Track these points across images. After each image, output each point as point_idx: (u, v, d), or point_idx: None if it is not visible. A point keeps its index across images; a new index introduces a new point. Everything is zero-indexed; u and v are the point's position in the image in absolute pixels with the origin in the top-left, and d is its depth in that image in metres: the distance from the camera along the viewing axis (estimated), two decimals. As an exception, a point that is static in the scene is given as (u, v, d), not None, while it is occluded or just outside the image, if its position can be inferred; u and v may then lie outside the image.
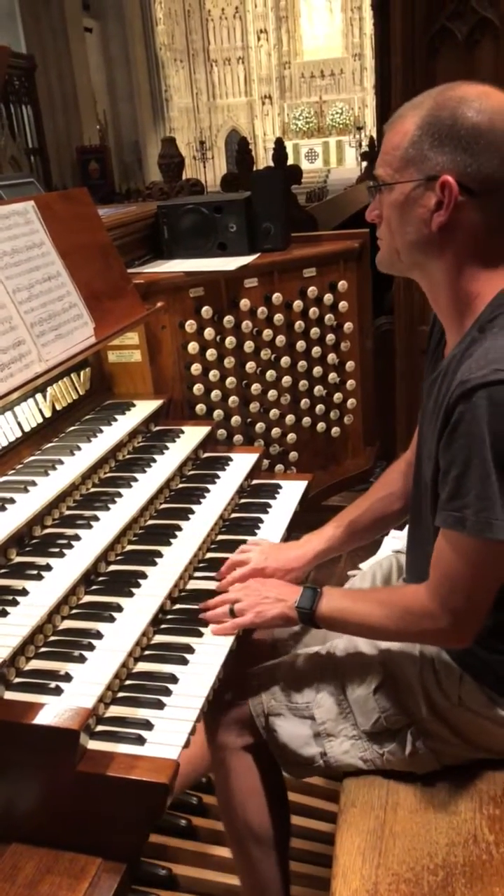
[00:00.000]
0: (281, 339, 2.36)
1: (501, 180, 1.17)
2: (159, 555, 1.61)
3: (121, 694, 1.31)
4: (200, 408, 2.27)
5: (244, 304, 2.28)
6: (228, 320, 2.26)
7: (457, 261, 1.23)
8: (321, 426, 2.52)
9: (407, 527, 1.66)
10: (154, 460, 1.88)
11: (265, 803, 1.51)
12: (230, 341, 2.27)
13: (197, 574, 1.66)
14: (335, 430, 2.55)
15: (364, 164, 11.43)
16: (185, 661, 1.39)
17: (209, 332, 2.23)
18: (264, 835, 1.51)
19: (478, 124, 1.16)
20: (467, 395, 1.13)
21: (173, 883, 1.89)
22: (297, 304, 2.37)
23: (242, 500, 1.97)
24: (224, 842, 1.98)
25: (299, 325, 2.38)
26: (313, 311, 2.40)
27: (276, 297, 2.33)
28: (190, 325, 2.21)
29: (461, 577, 1.21)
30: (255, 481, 2.06)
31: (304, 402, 2.46)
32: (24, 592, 1.35)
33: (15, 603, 1.33)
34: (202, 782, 2.15)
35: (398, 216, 1.24)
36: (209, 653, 1.42)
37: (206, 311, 2.23)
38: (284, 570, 1.58)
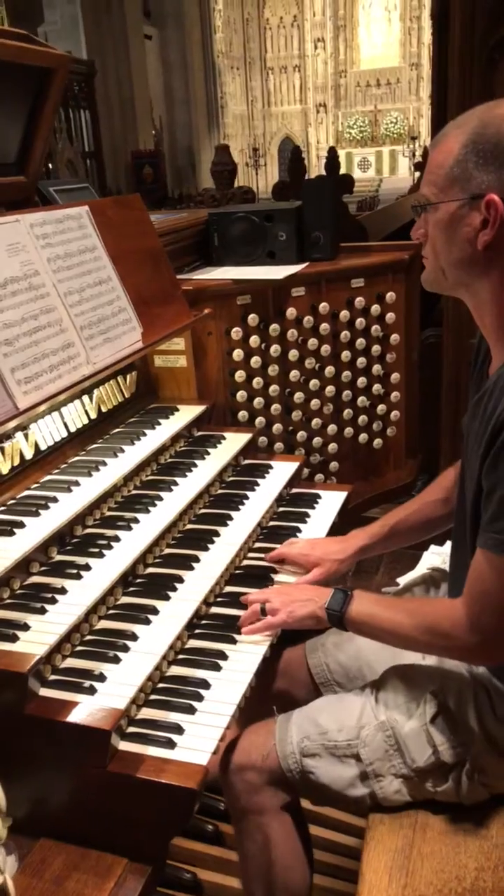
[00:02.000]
0: (326, 349, 2.35)
1: None
2: (196, 559, 1.62)
3: (153, 697, 1.32)
4: (243, 415, 2.28)
5: (290, 312, 2.29)
6: (274, 328, 2.27)
7: (503, 280, 1.22)
8: (363, 437, 2.50)
9: (449, 542, 1.65)
10: (195, 465, 1.90)
11: (307, 865, 1.46)
12: (275, 349, 2.27)
13: (233, 580, 1.67)
14: (377, 442, 2.54)
15: (417, 174, 11.36)
16: (218, 668, 1.39)
17: (254, 340, 2.24)
18: (302, 892, 1.46)
19: None
20: None
21: (198, 888, 1.89)
22: (344, 315, 2.37)
23: (281, 509, 1.97)
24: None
25: (345, 335, 2.38)
26: (360, 322, 2.39)
27: (323, 307, 2.33)
28: (236, 333, 2.22)
29: (496, 598, 1.20)
30: (294, 490, 2.06)
31: (347, 413, 2.45)
32: (63, 591, 1.37)
33: (54, 601, 1.35)
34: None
35: (443, 235, 1.24)
36: (242, 660, 1.42)
37: (253, 318, 2.23)
38: (329, 560, 1.60)
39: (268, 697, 1.64)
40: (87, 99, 15.29)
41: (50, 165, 13.52)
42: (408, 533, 1.66)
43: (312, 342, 2.33)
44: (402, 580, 1.86)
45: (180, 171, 21.12)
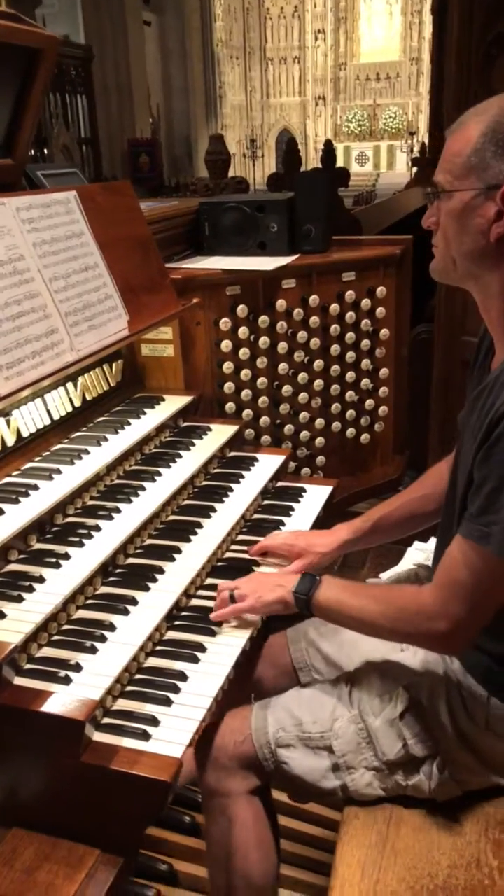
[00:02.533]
0: (315, 342, 2.34)
1: None
2: (178, 551, 1.61)
3: (129, 688, 1.32)
4: (230, 406, 2.26)
5: (280, 304, 2.27)
6: (263, 320, 2.25)
7: None
8: (351, 432, 2.49)
9: (433, 539, 1.64)
10: (180, 456, 1.88)
11: (271, 854, 1.45)
12: (264, 341, 2.26)
13: (215, 572, 1.66)
14: (365, 437, 2.53)
15: (414, 169, 11.34)
16: (196, 660, 1.39)
17: (243, 331, 2.22)
18: (263, 887, 1.44)
19: None
20: None
21: (173, 878, 1.89)
22: (334, 308, 2.35)
23: (266, 502, 1.96)
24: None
25: (335, 328, 2.36)
26: (350, 316, 2.38)
27: (313, 300, 2.31)
28: (224, 323, 2.20)
29: (469, 588, 1.20)
30: (280, 483, 2.05)
31: (335, 407, 2.44)
32: (40, 580, 1.36)
33: (31, 589, 1.34)
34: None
35: (455, 225, 1.22)
36: (221, 653, 1.41)
37: (242, 309, 2.22)
38: (311, 552, 1.60)
39: (248, 682, 1.63)
40: (84, 84, 15.16)
41: (45, 150, 13.42)
42: (391, 529, 1.65)
43: (302, 335, 2.31)
44: (385, 575, 1.86)
45: (177, 160, 21.01)
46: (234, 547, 1.76)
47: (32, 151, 13.28)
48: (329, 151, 6.00)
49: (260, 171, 23.93)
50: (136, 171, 16.74)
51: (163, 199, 2.94)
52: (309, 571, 1.56)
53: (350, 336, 2.40)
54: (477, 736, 1.32)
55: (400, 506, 1.65)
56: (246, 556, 1.70)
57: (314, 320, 2.32)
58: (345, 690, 1.43)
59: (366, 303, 2.40)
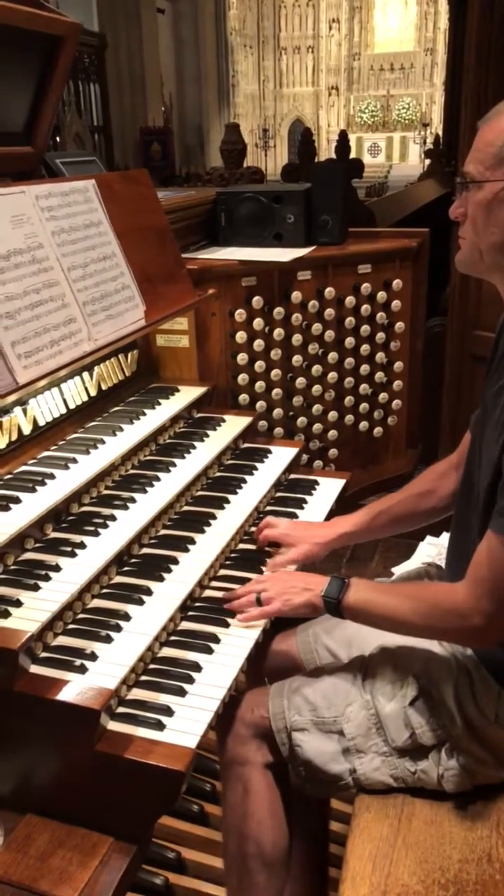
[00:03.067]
0: (330, 335, 2.33)
1: None
2: (192, 541, 1.61)
3: (144, 678, 1.32)
4: (244, 398, 2.26)
5: (296, 296, 2.26)
6: (278, 312, 2.24)
7: None
8: (364, 425, 2.49)
9: (446, 534, 1.64)
10: (194, 447, 1.88)
11: (283, 826, 1.47)
12: (278, 333, 2.25)
13: (228, 563, 1.66)
14: (378, 430, 2.52)
15: (427, 161, 11.28)
16: (210, 651, 1.39)
17: (258, 323, 2.22)
18: (275, 860, 1.45)
19: None
20: None
21: (181, 866, 1.90)
22: (350, 300, 2.34)
23: (279, 494, 1.96)
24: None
25: (350, 321, 2.36)
26: (365, 309, 2.37)
27: (329, 292, 2.30)
28: (240, 315, 2.20)
29: (502, 583, 1.19)
30: (293, 475, 2.05)
31: (349, 400, 2.43)
32: (56, 569, 1.37)
33: (48, 578, 1.34)
34: (216, 769, 2.16)
35: (485, 216, 1.21)
36: (234, 644, 1.42)
37: (257, 301, 2.21)
38: (308, 543, 1.61)
39: (260, 675, 1.64)
40: (97, 72, 15.10)
41: (58, 138, 13.40)
42: (391, 524, 1.66)
43: (316, 327, 2.31)
44: (397, 570, 1.86)
45: (189, 149, 20.92)
46: (247, 538, 1.76)
47: (45, 139, 13.28)
48: (344, 142, 5.97)
49: (272, 161, 23.83)
50: (148, 160, 16.68)
51: (177, 188, 2.93)
52: (304, 561, 1.60)
53: (365, 329, 2.39)
54: (486, 728, 1.32)
55: (400, 501, 1.65)
56: (269, 548, 1.70)
57: (329, 312, 2.32)
58: (359, 676, 1.44)
59: (381, 295, 2.39)
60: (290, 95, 29.35)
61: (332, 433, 2.44)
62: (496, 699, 1.32)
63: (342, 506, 1.99)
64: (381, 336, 2.43)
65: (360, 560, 3.57)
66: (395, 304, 2.42)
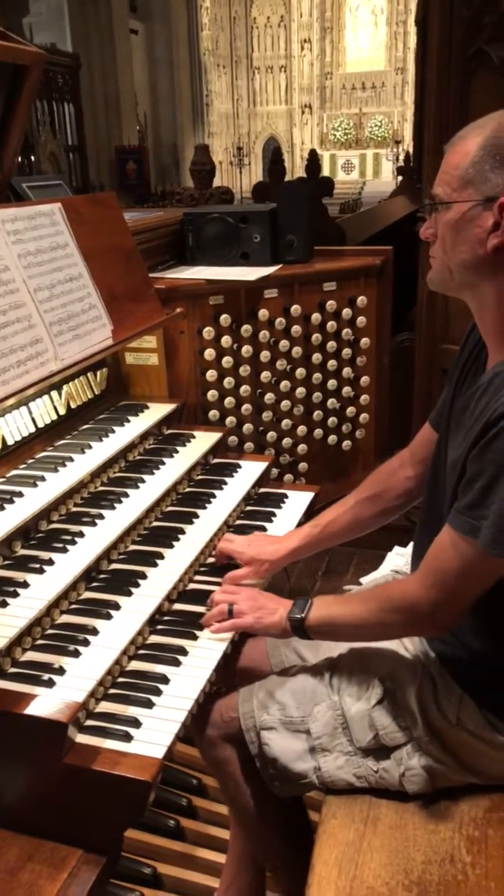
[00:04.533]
0: (297, 351, 2.38)
1: None
2: (161, 556, 1.63)
3: (112, 691, 1.34)
4: (213, 414, 2.30)
5: (263, 314, 2.31)
6: (246, 329, 2.29)
7: None
8: (333, 439, 2.53)
9: (412, 544, 1.67)
10: (163, 463, 1.91)
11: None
12: (246, 350, 2.29)
13: (198, 577, 1.69)
14: (346, 444, 2.57)
15: (399, 178, 11.45)
16: (177, 663, 1.41)
17: (226, 340, 2.26)
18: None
19: None
20: None
21: (157, 882, 1.91)
22: (316, 317, 2.39)
23: (249, 508, 1.99)
24: (211, 844, 2.00)
25: (316, 337, 2.40)
26: (331, 325, 2.42)
27: (295, 309, 2.35)
28: (208, 332, 2.24)
29: (454, 577, 1.24)
30: (263, 489, 2.09)
31: (317, 414, 2.48)
32: (24, 585, 1.39)
33: (15, 595, 1.36)
34: (192, 784, 2.17)
35: (453, 235, 1.26)
36: (202, 656, 1.44)
37: (225, 318, 2.25)
38: (259, 560, 1.64)
39: (232, 678, 1.66)
40: (72, 92, 15.21)
41: (32, 158, 13.44)
42: (341, 532, 1.68)
43: (284, 344, 2.35)
44: (365, 580, 1.89)
45: (164, 167, 21.08)
46: (216, 552, 1.78)
47: (19, 159, 13.31)
48: (313, 161, 6.06)
49: (247, 178, 24.05)
50: (123, 179, 16.80)
51: (147, 209, 2.97)
52: (259, 578, 1.64)
53: (331, 345, 2.44)
54: (448, 731, 1.36)
55: (348, 509, 1.68)
56: (229, 562, 1.73)
57: (296, 329, 2.37)
58: (326, 677, 1.48)
59: (347, 312, 2.44)
60: (264, 114, 29.70)
61: (302, 447, 2.48)
62: (458, 703, 1.36)
63: (312, 518, 2.02)
64: (347, 352, 2.48)
65: (335, 573, 3.60)
66: (361, 321, 2.47)
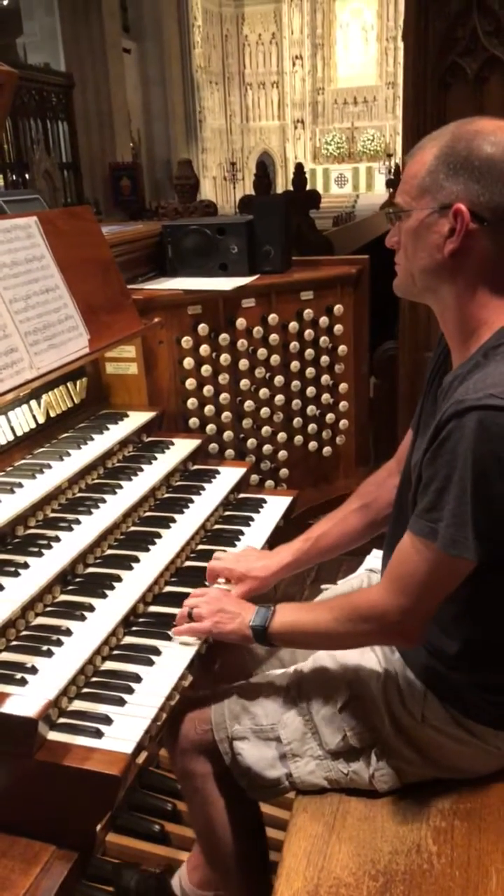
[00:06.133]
0: (276, 359, 2.42)
1: None
2: (136, 560, 1.66)
3: (85, 690, 1.37)
4: (194, 421, 2.33)
5: (241, 323, 2.35)
6: (224, 338, 2.33)
7: (467, 287, 1.28)
8: (313, 445, 2.57)
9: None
10: (142, 469, 1.95)
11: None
12: (225, 358, 2.34)
13: (173, 580, 1.72)
14: (326, 450, 2.60)
15: (390, 190, 11.55)
16: (150, 662, 1.44)
17: (205, 349, 2.30)
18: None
19: (491, 156, 1.21)
20: (459, 415, 1.17)
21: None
22: (293, 326, 2.44)
23: (227, 513, 2.02)
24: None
25: (294, 345, 2.45)
26: (308, 333, 2.46)
27: (273, 318, 2.40)
28: (186, 342, 2.28)
29: (417, 581, 1.25)
30: (242, 495, 2.12)
31: (297, 421, 2.52)
32: (0, 588, 1.42)
33: (-11, 597, 1.39)
34: (177, 788, 2.19)
35: (413, 242, 1.30)
36: (175, 655, 1.47)
37: (203, 328, 2.30)
38: (250, 577, 1.62)
39: (212, 681, 1.68)
40: (65, 110, 15.36)
41: (26, 176, 13.56)
42: (333, 546, 1.68)
43: (262, 352, 2.40)
44: (342, 582, 1.92)
45: (158, 183, 21.22)
46: (192, 556, 1.82)
47: (14, 176, 13.44)
48: (299, 174, 6.14)
49: (240, 193, 24.20)
50: (117, 195, 16.91)
51: (125, 223, 3.02)
52: (251, 594, 1.61)
53: (309, 352, 2.48)
54: (414, 729, 1.38)
55: (338, 521, 1.68)
56: (205, 564, 1.75)
57: (274, 338, 2.41)
58: (294, 683, 1.50)
59: (324, 320, 2.49)
60: (257, 129, 29.94)
61: (283, 454, 2.51)
62: (422, 701, 1.38)
63: (292, 523, 2.05)
64: (325, 359, 2.52)
65: (324, 581, 3.61)
66: (338, 329, 2.51)
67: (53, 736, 1.24)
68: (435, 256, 1.27)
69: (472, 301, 1.28)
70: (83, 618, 1.46)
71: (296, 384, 2.48)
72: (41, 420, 1.88)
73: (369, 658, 1.47)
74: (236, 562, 1.66)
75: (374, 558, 1.98)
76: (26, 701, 1.20)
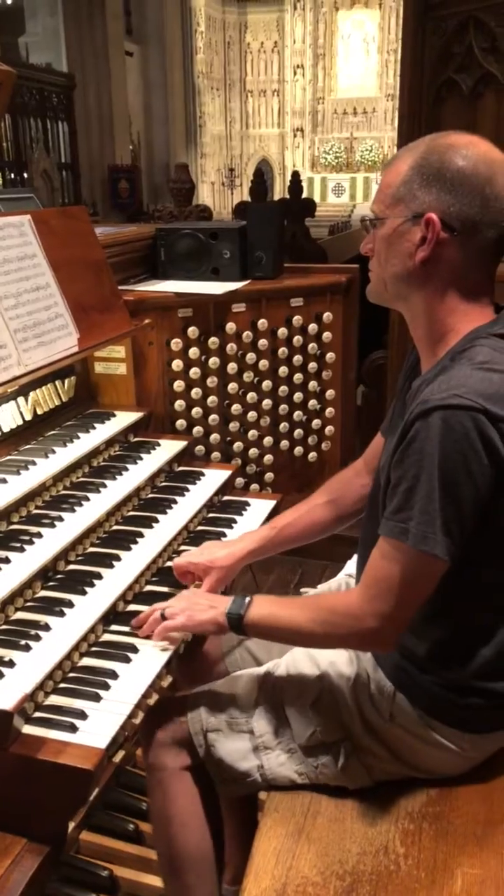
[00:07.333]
0: (264, 364, 2.44)
1: (481, 222, 1.26)
2: (118, 558, 1.68)
3: (62, 685, 1.38)
4: (181, 423, 2.35)
5: (230, 327, 2.37)
6: (213, 342, 2.35)
7: (436, 294, 1.31)
8: (299, 450, 2.59)
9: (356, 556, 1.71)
10: (127, 469, 1.96)
11: (204, 828, 1.53)
12: (214, 362, 2.36)
13: (154, 579, 1.73)
14: (312, 455, 2.63)
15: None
16: (128, 660, 1.45)
17: (194, 352, 2.32)
18: (201, 860, 1.52)
19: (462, 169, 1.25)
20: (424, 415, 1.19)
21: (114, 885, 1.93)
22: (282, 332, 2.46)
23: (211, 515, 2.04)
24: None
25: (283, 351, 2.47)
26: (297, 339, 2.49)
27: (262, 323, 2.42)
28: (176, 344, 2.30)
29: (393, 584, 1.25)
30: (226, 497, 2.13)
31: (283, 426, 2.54)
32: (-21, 582, 1.43)
33: (-31, 591, 1.40)
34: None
35: (386, 249, 1.33)
36: (153, 653, 1.48)
37: (193, 331, 2.32)
38: (216, 568, 1.64)
39: (190, 678, 1.70)
40: (66, 111, 15.40)
41: (25, 175, 13.58)
42: (297, 536, 1.71)
43: (251, 356, 2.42)
44: (321, 586, 1.94)
45: (156, 187, 21.26)
46: (174, 556, 1.83)
47: (13, 175, 13.44)
48: (296, 182, 6.18)
49: (238, 199, 24.26)
50: (115, 197, 16.95)
51: (120, 225, 3.04)
52: (219, 585, 1.63)
53: (297, 359, 2.51)
54: (383, 728, 1.40)
55: (305, 513, 1.71)
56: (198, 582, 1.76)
57: (263, 343, 2.43)
58: (269, 678, 1.52)
59: (313, 327, 2.51)
60: (257, 136, 30.04)
61: (269, 458, 2.53)
62: (391, 700, 1.40)
63: (275, 527, 2.07)
64: (313, 366, 2.54)
65: (307, 584, 3.63)
66: (327, 336, 2.54)
67: (28, 730, 1.25)
68: (406, 264, 1.31)
69: (441, 307, 1.31)
70: (62, 614, 1.47)
71: (283, 389, 2.50)
72: (28, 417, 1.89)
73: (342, 656, 1.49)
74: (199, 554, 1.67)
75: (354, 563, 2.01)
76: (2, 694, 1.22)
